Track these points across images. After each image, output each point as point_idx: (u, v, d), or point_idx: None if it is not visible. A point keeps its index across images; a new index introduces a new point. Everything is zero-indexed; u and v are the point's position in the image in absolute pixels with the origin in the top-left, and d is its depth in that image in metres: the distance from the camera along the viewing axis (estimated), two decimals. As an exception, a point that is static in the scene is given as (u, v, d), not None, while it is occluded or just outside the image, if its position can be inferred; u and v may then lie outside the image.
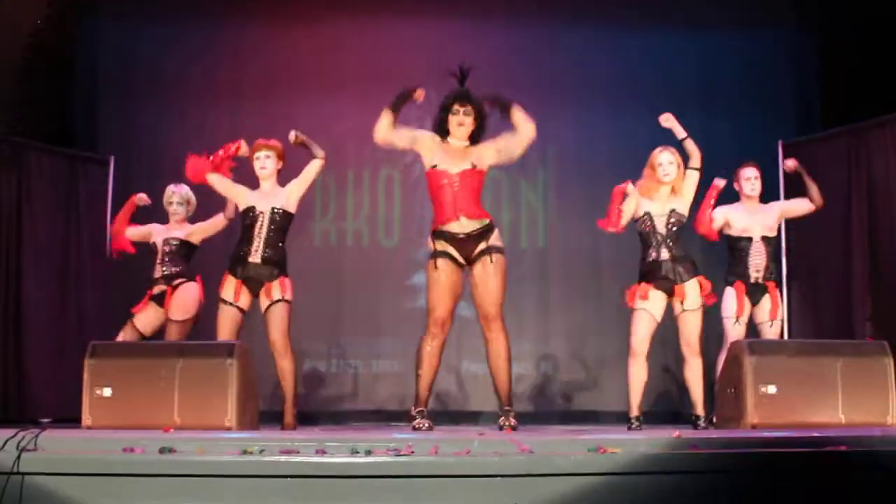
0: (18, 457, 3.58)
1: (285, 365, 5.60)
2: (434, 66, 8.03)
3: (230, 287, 5.65)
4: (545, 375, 7.95)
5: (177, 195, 6.38)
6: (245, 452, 3.64)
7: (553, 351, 7.99)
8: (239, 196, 5.85)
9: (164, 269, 6.30)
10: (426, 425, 5.02)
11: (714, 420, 5.50)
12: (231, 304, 5.63)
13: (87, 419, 4.78)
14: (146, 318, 6.22)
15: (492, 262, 5.17)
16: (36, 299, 7.12)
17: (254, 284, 5.66)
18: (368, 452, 3.63)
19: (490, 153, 5.30)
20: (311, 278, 7.90)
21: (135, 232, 6.42)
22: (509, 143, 5.29)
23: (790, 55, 8.15)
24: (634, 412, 5.66)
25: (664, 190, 5.77)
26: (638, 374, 5.66)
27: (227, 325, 5.59)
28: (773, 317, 5.87)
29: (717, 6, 8.10)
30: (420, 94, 5.37)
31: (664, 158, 5.76)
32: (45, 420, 6.69)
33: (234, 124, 8.10)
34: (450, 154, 5.26)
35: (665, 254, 5.69)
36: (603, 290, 8.00)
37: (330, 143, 8.08)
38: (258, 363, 6.67)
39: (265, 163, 5.85)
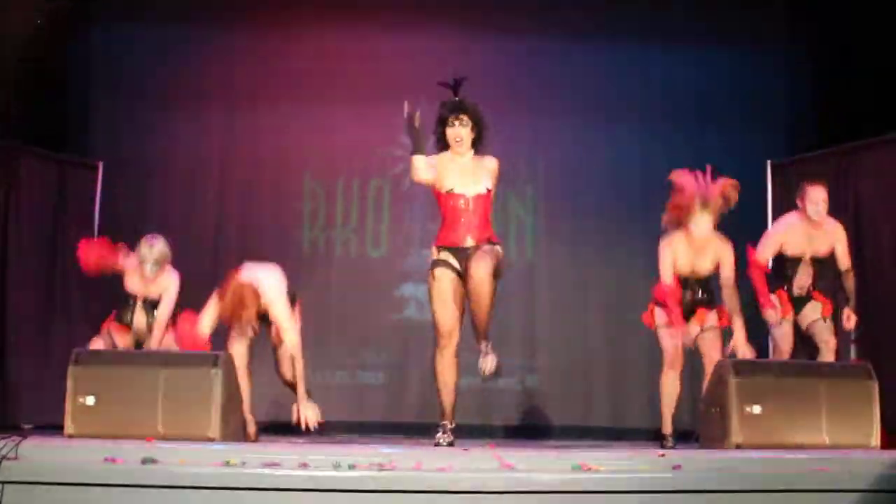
0: (-1, 465, 3.56)
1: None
2: (428, 77, 8.06)
3: None
4: (531, 389, 7.94)
5: (151, 259, 5.89)
6: (227, 464, 3.63)
7: (539, 364, 7.99)
8: None
9: (149, 318, 6.06)
10: (445, 440, 4.88)
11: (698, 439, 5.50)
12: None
13: (69, 428, 4.75)
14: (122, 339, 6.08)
15: (491, 249, 5.01)
16: (22, 303, 7.09)
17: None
18: (351, 467, 3.62)
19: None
20: (297, 287, 7.89)
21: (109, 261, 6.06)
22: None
23: (783, 75, 8.17)
24: (668, 429, 5.63)
25: (701, 229, 5.72)
26: (672, 389, 5.65)
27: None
28: (825, 313, 5.79)
29: (711, 24, 8.11)
30: (416, 115, 5.19)
31: (703, 222, 5.73)
32: (28, 426, 6.66)
33: (225, 132, 8.12)
34: (463, 173, 5.11)
35: (699, 295, 5.76)
36: (590, 304, 8.02)
37: (321, 153, 8.15)
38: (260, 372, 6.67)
39: None
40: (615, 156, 8.10)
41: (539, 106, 8.10)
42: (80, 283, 7.42)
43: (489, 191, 5.11)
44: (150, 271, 5.87)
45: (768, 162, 7.75)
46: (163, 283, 6.02)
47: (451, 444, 4.84)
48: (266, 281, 5.54)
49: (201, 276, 7.65)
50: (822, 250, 5.87)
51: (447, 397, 5.02)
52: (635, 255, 8.02)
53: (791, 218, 5.95)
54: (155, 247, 5.89)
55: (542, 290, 8.06)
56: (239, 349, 5.47)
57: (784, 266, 5.90)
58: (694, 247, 5.74)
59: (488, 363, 4.86)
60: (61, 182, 7.50)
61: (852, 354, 6.65)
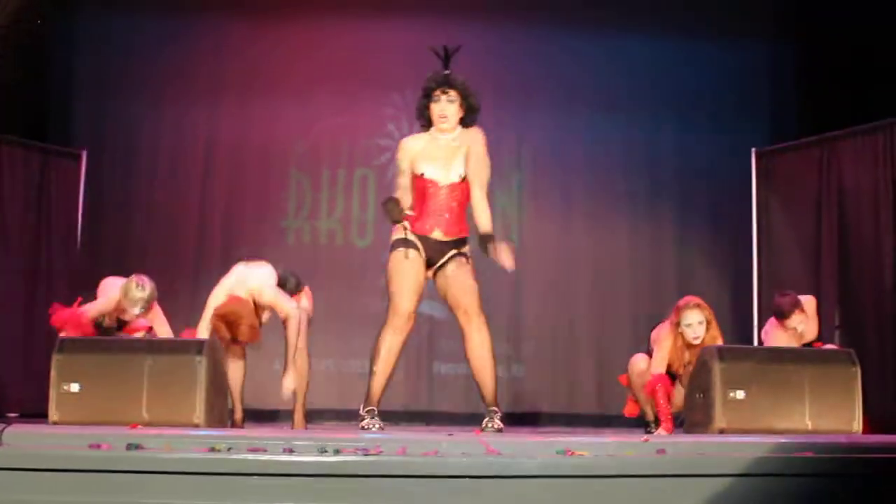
0: (-17, 451, 3.54)
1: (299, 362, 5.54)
2: (413, 66, 8.08)
3: None
4: (516, 378, 7.96)
5: (142, 301, 5.66)
6: (213, 450, 3.61)
7: (525, 354, 8.01)
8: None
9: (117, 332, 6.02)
10: (376, 426, 4.63)
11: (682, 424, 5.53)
12: None
13: (53, 415, 4.73)
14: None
15: (467, 262, 4.81)
16: (5, 293, 7.07)
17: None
18: (337, 452, 3.61)
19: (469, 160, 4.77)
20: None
21: (97, 310, 5.88)
22: (473, 178, 4.79)
23: (766, 64, 8.22)
24: (651, 416, 5.61)
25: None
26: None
27: None
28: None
29: (695, 15, 8.14)
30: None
31: (693, 318, 5.36)
32: (13, 415, 6.64)
33: (210, 121, 8.10)
34: (439, 156, 4.73)
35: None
36: (577, 294, 8.04)
37: (307, 142, 8.14)
38: (267, 362, 6.63)
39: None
40: (601, 145, 8.13)
41: (524, 96, 8.12)
42: (64, 272, 7.41)
43: (463, 179, 4.74)
44: (137, 312, 5.72)
45: (753, 150, 7.78)
46: (152, 320, 5.94)
47: (381, 430, 4.63)
48: (260, 288, 5.54)
49: (184, 266, 7.67)
50: (807, 338, 5.97)
51: (380, 381, 4.80)
52: (621, 243, 8.07)
53: (780, 338, 5.92)
54: (146, 289, 5.70)
55: (527, 279, 8.06)
56: None
57: None
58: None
59: None
60: (44, 171, 7.47)
61: (836, 341, 6.70)
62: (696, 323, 5.37)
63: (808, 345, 5.98)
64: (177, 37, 8.04)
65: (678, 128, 8.10)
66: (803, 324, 5.83)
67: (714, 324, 5.41)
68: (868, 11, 6.97)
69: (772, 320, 6.00)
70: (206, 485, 3.51)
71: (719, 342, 5.37)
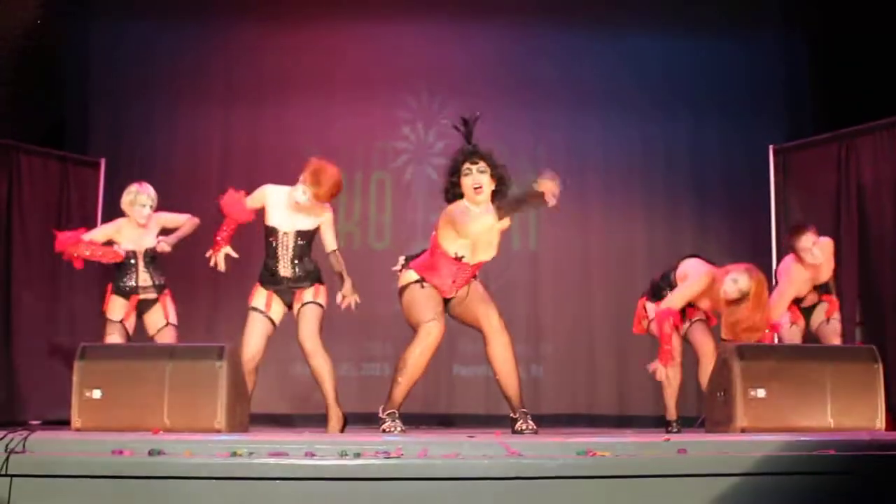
0: (7, 458, 3.56)
1: (317, 363, 5.39)
2: (425, 69, 8.11)
3: (261, 297, 5.39)
4: (535, 379, 7.95)
5: (149, 198, 6.01)
6: (234, 455, 3.63)
7: (543, 354, 8.00)
8: (259, 206, 5.55)
9: (156, 279, 6.11)
10: (397, 429, 4.85)
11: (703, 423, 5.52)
12: (262, 312, 5.37)
13: (76, 421, 4.76)
14: (129, 323, 6.07)
15: (475, 280, 5.14)
16: (26, 301, 7.12)
17: (286, 295, 5.44)
18: (357, 455, 3.62)
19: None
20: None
21: (101, 234, 6.12)
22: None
23: (783, 60, 8.18)
24: (672, 415, 5.69)
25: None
26: (673, 377, 5.65)
27: (256, 333, 5.33)
28: (829, 314, 6.03)
29: (710, 11, 8.13)
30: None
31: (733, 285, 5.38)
32: (35, 422, 6.68)
33: (225, 127, 8.12)
34: (478, 238, 4.94)
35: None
36: (595, 293, 8.02)
37: (322, 146, 8.12)
38: (283, 366, 6.57)
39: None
40: (616, 145, 8.11)
41: (539, 94, 8.10)
42: (84, 280, 7.44)
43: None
44: (145, 213, 5.99)
45: (770, 146, 7.74)
46: (160, 222, 6.13)
47: (403, 433, 4.84)
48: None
49: (202, 273, 7.67)
50: (821, 279, 6.03)
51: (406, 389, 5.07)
52: (638, 243, 8.04)
53: (795, 272, 5.97)
54: (149, 190, 6.02)
55: (545, 279, 8.07)
56: (256, 342, 5.38)
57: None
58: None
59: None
60: (64, 179, 7.53)
61: (857, 337, 6.67)
62: (736, 289, 5.34)
63: (823, 286, 6.01)
64: (190, 44, 8.08)
65: (694, 126, 8.08)
66: (816, 251, 5.85)
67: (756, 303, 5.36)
68: (880, 5, 6.95)
69: (787, 259, 6.03)
70: (227, 489, 3.53)
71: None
